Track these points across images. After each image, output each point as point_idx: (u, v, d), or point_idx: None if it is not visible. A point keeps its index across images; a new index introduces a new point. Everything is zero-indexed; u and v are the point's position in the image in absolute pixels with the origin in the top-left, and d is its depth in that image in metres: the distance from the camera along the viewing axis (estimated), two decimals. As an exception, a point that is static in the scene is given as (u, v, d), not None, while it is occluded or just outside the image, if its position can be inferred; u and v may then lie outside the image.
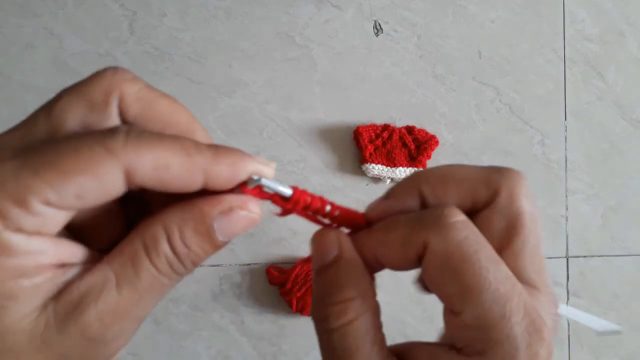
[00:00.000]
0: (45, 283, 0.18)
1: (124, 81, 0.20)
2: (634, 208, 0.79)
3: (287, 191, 0.21)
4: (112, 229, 0.22)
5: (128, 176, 0.18)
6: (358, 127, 0.72)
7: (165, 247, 0.19)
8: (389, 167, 0.72)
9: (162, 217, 0.19)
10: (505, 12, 0.78)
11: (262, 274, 0.71)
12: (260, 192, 0.20)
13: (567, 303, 0.78)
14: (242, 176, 0.20)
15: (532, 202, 0.21)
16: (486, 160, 0.76)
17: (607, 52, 0.80)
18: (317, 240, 0.22)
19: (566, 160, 0.78)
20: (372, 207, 0.23)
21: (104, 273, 0.19)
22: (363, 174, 0.73)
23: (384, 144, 0.72)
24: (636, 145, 0.80)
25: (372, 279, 0.22)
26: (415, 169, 0.73)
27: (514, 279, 0.19)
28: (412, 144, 0.73)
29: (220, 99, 0.73)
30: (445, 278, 0.19)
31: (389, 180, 0.73)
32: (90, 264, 0.19)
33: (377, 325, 0.21)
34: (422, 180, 0.21)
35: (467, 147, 0.76)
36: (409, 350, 0.21)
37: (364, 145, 0.72)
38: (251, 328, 0.72)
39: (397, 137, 0.73)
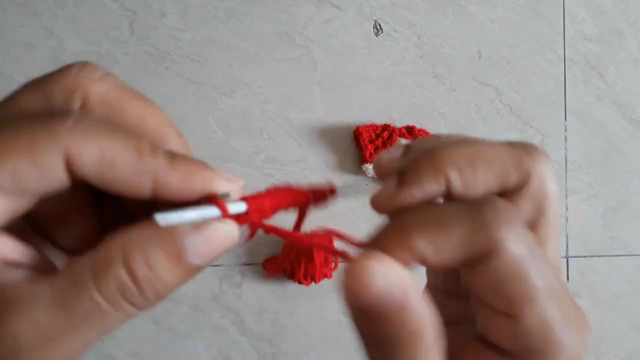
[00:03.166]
0: None
1: (91, 80, 0.18)
2: (634, 208, 0.79)
3: (241, 207, 0.18)
4: (82, 228, 0.20)
5: (69, 164, 0.16)
6: (358, 127, 0.72)
7: (118, 270, 0.16)
8: (389, 167, 0.72)
9: (119, 236, 0.17)
10: (505, 12, 0.78)
11: (262, 273, 0.71)
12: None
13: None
14: (196, 189, 0.17)
15: (556, 183, 0.20)
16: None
17: (607, 52, 0.80)
18: (364, 283, 0.16)
19: (566, 160, 0.78)
20: (386, 196, 0.18)
21: (42, 286, 0.16)
22: (363, 174, 0.73)
23: (384, 144, 0.72)
24: (636, 145, 0.80)
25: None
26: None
27: (557, 271, 0.18)
28: (412, 144, 0.73)
29: (220, 99, 0.73)
30: (510, 281, 0.17)
31: (389, 180, 0.73)
32: (38, 271, 0.17)
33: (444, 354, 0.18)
34: (448, 162, 0.18)
35: (467, 147, 0.76)
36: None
37: (364, 145, 0.72)
38: (251, 328, 0.72)
39: (397, 137, 0.73)
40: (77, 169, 0.16)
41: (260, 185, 0.73)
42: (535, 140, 0.77)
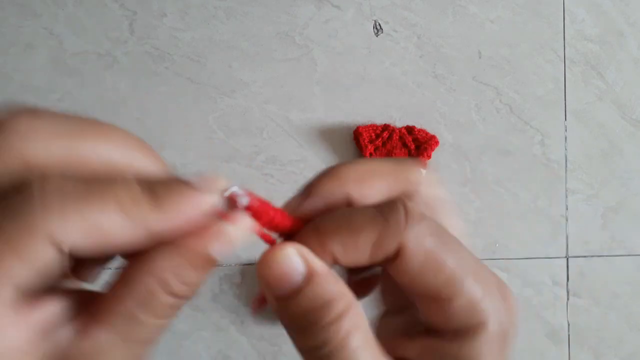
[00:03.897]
0: None
1: (23, 141, 0.16)
2: (634, 208, 0.79)
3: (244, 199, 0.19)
4: (98, 262, 0.20)
5: (57, 246, 0.15)
6: (358, 127, 0.72)
7: (164, 298, 0.17)
8: (389, 167, 0.72)
9: (149, 269, 0.17)
10: (505, 12, 0.78)
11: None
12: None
13: (567, 303, 0.78)
14: (191, 217, 0.17)
15: (442, 187, 0.22)
16: (486, 160, 0.76)
17: (607, 52, 0.80)
18: (273, 262, 0.19)
19: (566, 160, 0.78)
20: (294, 205, 0.21)
21: (103, 334, 0.17)
22: (363, 174, 0.73)
23: (384, 144, 0.72)
24: (636, 145, 0.80)
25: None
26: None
27: (474, 255, 0.20)
28: (412, 144, 0.73)
29: (220, 99, 0.73)
30: (429, 272, 0.19)
31: (389, 180, 0.73)
32: (76, 311, 0.17)
33: (368, 327, 0.20)
34: (345, 177, 0.21)
35: (467, 147, 0.76)
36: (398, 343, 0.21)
37: (364, 145, 0.72)
38: (251, 328, 0.72)
39: (397, 137, 0.73)
40: (68, 249, 0.16)
41: (261, 185, 0.73)
42: (535, 140, 0.78)
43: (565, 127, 0.79)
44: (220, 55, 0.73)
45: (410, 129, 0.73)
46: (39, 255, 0.15)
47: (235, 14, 0.74)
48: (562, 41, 0.79)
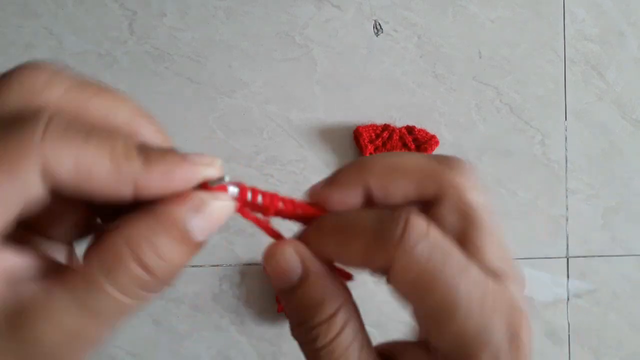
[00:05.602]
0: None
1: (45, 85, 0.17)
2: (634, 208, 0.79)
3: (234, 189, 0.19)
4: (72, 219, 0.20)
5: (45, 176, 0.16)
6: (358, 127, 0.72)
7: (131, 265, 0.16)
8: (389, 167, 0.72)
9: (122, 231, 0.17)
10: (505, 12, 0.78)
11: (262, 273, 0.71)
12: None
13: (567, 304, 0.78)
14: (177, 186, 0.17)
15: (482, 193, 0.20)
16: (486, 160, 0.76)
17: (607, 52, 0.80)
18: (273, 258, 0.20)
19: (566, 160, 0.78)
20: (314, 192, 0.21)
21: (59, 293, 0.16)
22: (363, 174, 0.73)
23: (384, 144, 0.72)
24: (636, 145, 0.80)
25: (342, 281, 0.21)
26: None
27: (485, 281, 0.18)
28: (412, 144, 0.73)
29: (220, 99, 0.73)
30: (416, 296, 0.18)
31: (389, 180, 0.73)
32: (44, 273, 0.17)
33: (362, 328, 0.20)
34: (369, 170, 0.20)
35: (467, 147, 0.76)
36: (394, 349, 0.21)
37: (364, 145, 0.72)
38: (251, 328, 0.72)
39: (397, 137, 0.73)
40: (54, 181, 0.16)
41: (261, 185, 0.73)
42: (535, 140, 0.78)
43: (566, 127, 0.79)
44: (220, 55, 0.73)
45: (410, 129, 0.73)
46: (26, 177, 0.15)
47: (235, 14, 0.74)
48: (563, 41, 0.79)
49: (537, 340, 0.77)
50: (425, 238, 0.18)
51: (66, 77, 0.18)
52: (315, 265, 0.19)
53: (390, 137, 0.72)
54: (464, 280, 0.18)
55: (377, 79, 0.75)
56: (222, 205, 0.18)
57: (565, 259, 0.78)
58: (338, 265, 0.21)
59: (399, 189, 0.20)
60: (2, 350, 0.16)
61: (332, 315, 0.19)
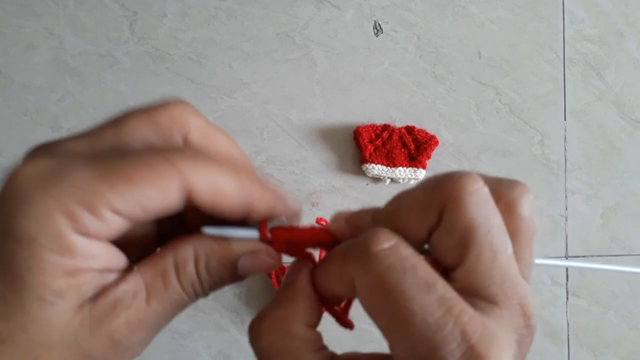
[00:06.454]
0: (86, 285, 0.19)
1: (190, 114, 0.21)
2: (634, 208, 0.80)
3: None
4: (146, 242, 0.23)
5: (185, 192, 0.19)
6: (358, 127, 0.72)
7: (191, 269, 0.20)
8: (389, 167, 0.72)
9: (194, 241, 0.21)
10: (505, 12, 0.78)
11: (263, 273, 0.72)
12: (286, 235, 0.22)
13: (566, 303, 0.78)
14: (277, 213, 0.22)
15: (481, 210, 0.19)
16: (486, 160, 0.77)
17: (607, 52, 0.80)
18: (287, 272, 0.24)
19: (566, 160, 0.78)
20: (336, 225, 0.22)
21: (137, 284, 0.20)
22: (363, 174, 0.74)
23: (383, 144, 0.73)
24: (636, 145, 0.80)
25: (320, 309, 0.22)
26: (415, 169, 0.73)
27: (450, 301, 0.17)
28: (412, 144, 0.73)
29: (220, 99, 0.73)
30: (372, 312, 0.18)
31: (388, 181, 0.73)
32: (125, 272, 0.20)
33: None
34: (380, 221, 0.21)
35: (467, 147, 0.76)
36: None
37: (363, 145, 0.72)
38: (251, 328, 0.72)
39: (397, 137, 0.73)
40: (194, 197, 0.19)
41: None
42: (534, 140, 0.78)
43: (565, 127, 0.79)
44: (221, 56, 0.73)
45: (410, 129, 0.73)
46: (171, 190, 0.18)
47: (236, 15, 0.74)
48: (562, 41, 0.79)
49: (537, 340, 0.77)
50: (385, 252, 0.18)
51: (203, 116, 0.22)
52: (301, 281, 0.22)
53: (390, 137, 0.73)
54: (424, 297, 0.17)
55: (376, 79, 0.75)
56: (267, 259, 0.22)
57: (565, 259, 0.78)
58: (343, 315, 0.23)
59: (409, 229, 0.20)
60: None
61: (281, 318, 0.22)
